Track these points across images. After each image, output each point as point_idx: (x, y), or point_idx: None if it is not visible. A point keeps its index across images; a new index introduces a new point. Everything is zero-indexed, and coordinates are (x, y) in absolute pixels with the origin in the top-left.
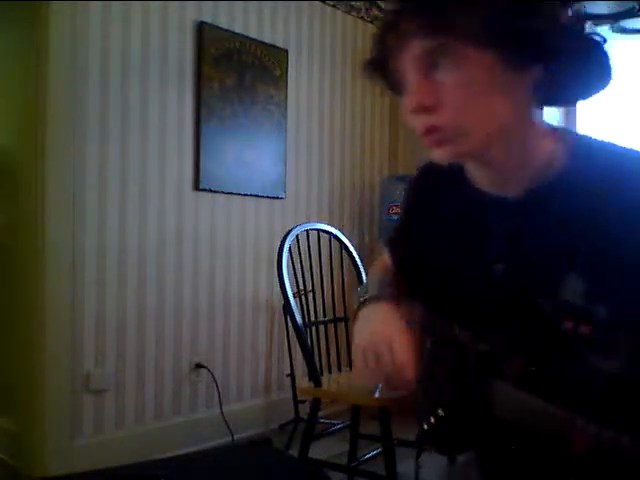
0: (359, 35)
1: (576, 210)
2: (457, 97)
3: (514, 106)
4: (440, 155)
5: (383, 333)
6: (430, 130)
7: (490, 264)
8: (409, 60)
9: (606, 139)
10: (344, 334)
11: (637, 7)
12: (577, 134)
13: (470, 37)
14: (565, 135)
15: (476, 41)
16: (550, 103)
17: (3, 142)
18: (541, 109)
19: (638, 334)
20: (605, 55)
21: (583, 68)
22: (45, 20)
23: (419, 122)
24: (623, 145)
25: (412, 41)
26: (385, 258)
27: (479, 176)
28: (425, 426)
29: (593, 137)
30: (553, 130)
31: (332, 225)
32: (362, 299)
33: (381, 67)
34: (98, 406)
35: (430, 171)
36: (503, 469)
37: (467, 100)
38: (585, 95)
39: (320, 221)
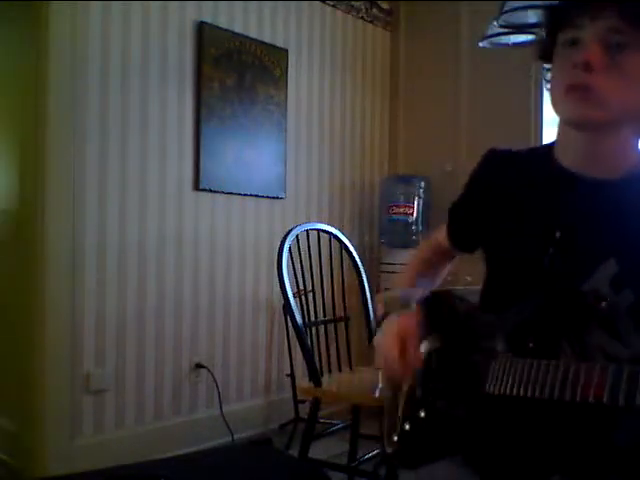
0: (359, 35)
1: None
2: (617, 74)
3: None
4: (574, 111)
5: (398, 327)
6: (580, 86)
7: (551, 230)
8: (593, 30)
9: None
10: (344, 334)
11: None
12: None
13: None
14: None
15: None
16: None
17: (3, 142)
18: None
19: None
20: None
21: None
22: (45, 20)
23: (574, 76)
24: None
25: (603, 18)
26: (428, 242)
27: (575, 156)
28: (395, 437)
29: None
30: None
31: (332, 225)
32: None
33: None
34: (98, 406)
35: (496, 153)
36: (497, 462)
37: (623, 79)
38: None
39: (320, 221)
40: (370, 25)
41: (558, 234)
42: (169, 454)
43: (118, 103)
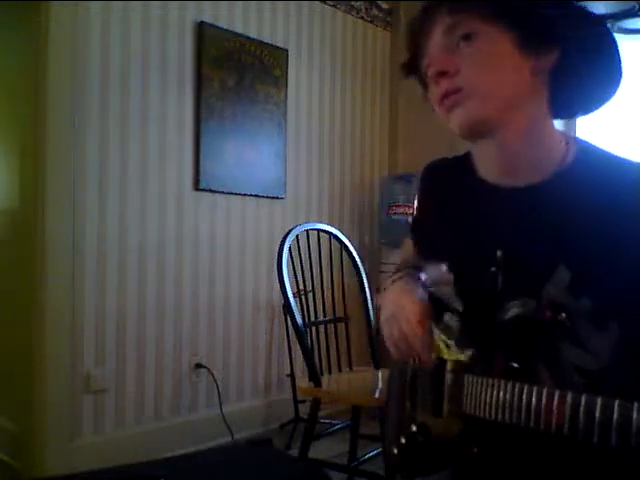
0: (359, 35)
1: (577, 207)
2: (474, 64)
3: (526, 86)
4: (456, 118)
5: (398, 303)
6: (449, 92)
7: (491, 250)
8: (437, 37)
9: (604, 147)
10: (344, 334)
11: (637, 7)
12: (581, 140)
13: (487, 15)
14: (572, 139)
15: (493, 19)
16: (564, 110)
17: (3, 142)
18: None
19: (623, 329)
20: (615, 46)
21: (595, 59)
22: (45, 20)
23: (439, 87)
24: (620, 155)
25: (440, 19)
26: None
27: (489, 165)
28: (395, 450)
29: (594, 144)
30: (562, 133)
31: (332, 225)
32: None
33: (415, 57)
34: (98, 406)
35: (435, 165)
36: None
37: (482, 68)
38: (598, 96)
39: (320, 221)
40: (370, 25)
41: (499, 253)
42: (169, 454)
43: (118, 103)
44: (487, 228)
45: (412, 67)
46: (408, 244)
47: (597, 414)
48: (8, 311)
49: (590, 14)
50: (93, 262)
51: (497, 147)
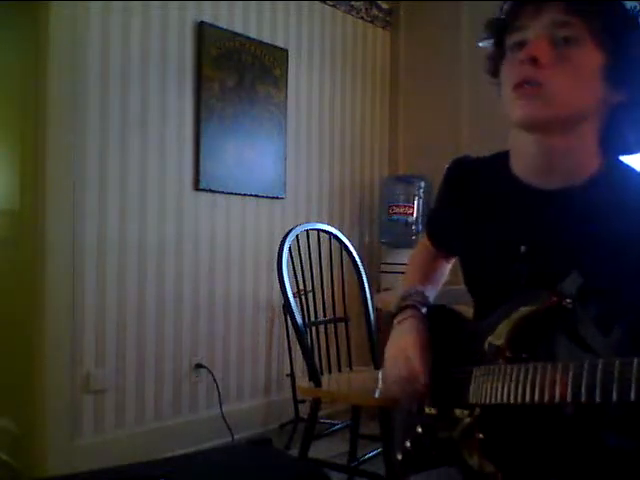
0: (359, 35)
1: (601, 216)
2: (564, 67)
3: (594, 106)
4: (524, 108)
5: (400, 346)
6: (529, 81)
7: (516, 245)
8: (538, 27)
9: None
10: (344, 334)
11: (637, 7)
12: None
13: (594, 28)
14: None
15: (596, 34)
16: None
17: (3, 142)
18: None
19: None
20: None
21: None
22: (45, 20)
23: (522, 71)
24: None
25: (547, 13)
26: (419, 247)
27: (528, 160)
28: (400, 456)
29: (619, 159)
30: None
31: (332, 225)
32: (393, 310)
33: (502, 27)
34: (98, 406)
35: (461, 162)
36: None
37: (569, 75)
38: None
39: (320, 221)
40: (370, 25)
41: (523, 248)
42: (169, 454)
43: (118, 103)
44: (513, 226)
45: (498, 30)
46: (414, 259)
47: (598, 374)
48: (8, 311)
49: None
50: (93, 262)
51: (544, 149)
